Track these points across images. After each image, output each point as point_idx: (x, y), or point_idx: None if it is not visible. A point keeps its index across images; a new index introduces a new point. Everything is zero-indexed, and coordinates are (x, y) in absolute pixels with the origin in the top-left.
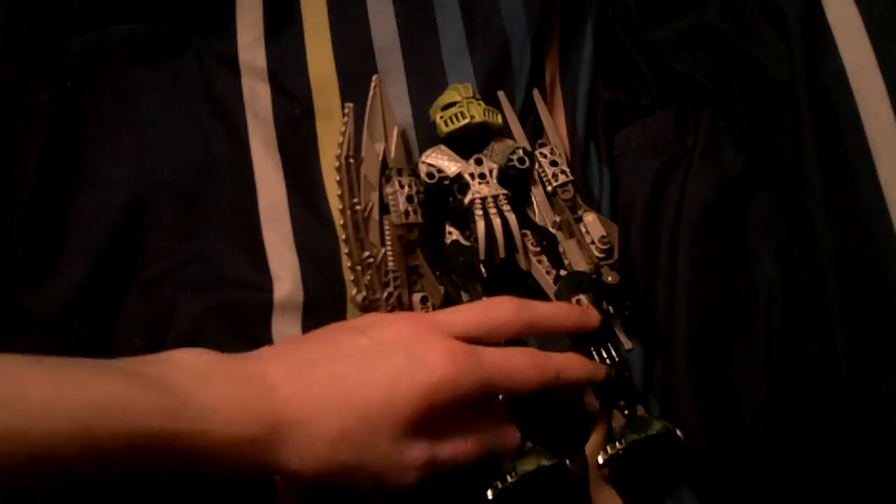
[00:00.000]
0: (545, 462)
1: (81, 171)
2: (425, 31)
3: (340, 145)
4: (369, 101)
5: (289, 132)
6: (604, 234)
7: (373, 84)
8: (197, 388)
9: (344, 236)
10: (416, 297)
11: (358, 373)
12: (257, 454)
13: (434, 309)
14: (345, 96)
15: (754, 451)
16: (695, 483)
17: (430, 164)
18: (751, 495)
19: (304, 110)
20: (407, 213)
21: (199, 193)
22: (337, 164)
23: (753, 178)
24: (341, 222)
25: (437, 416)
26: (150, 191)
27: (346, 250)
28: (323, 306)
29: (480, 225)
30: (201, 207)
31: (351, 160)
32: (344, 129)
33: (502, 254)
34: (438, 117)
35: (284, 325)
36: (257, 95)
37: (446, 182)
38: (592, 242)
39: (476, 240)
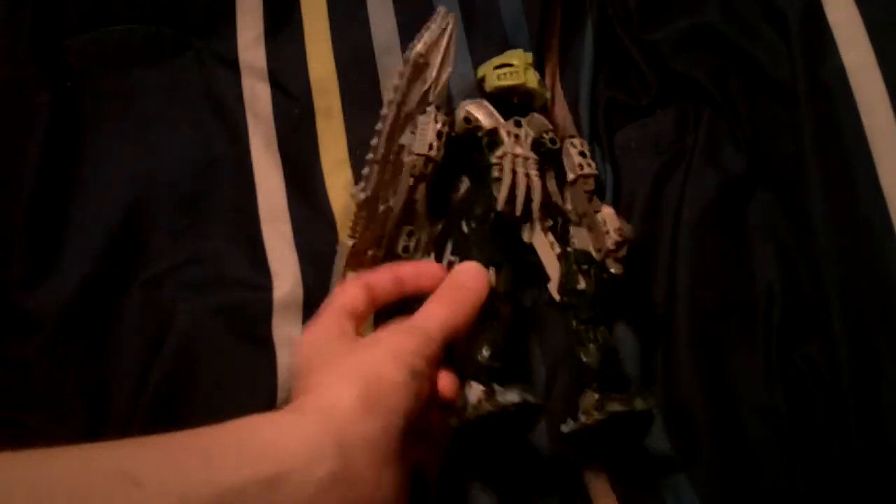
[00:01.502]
0: (529, 398)
1: (81, 171)
2: None
3: (416, 45)
4: (445, 37)
5: (289, 132)
6: (619, 226)
7: (451, 21)
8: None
9: (379, 126)
10: (405, 229)
11: None
12: None
13: (418, 244)
14: (345, 96)
15: (755, 451)
16: (696, 482)
17: (468, 111)
18: (751, 494)
19: (303, 110)
20: (431, 146)
21: (199, 193)
22: (407, 63)
23: (753, 178)
24: (384, 112)
25: None
26: (150, 191)
27: (375, 142)
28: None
29: (508, 178)
30: (201, 207)
31: (421, 60)
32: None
33: (518, 211)
34: (492, 69)
35: (285, 324)
36: (257, 95)
37: (479, 133)
38: (607, 232)
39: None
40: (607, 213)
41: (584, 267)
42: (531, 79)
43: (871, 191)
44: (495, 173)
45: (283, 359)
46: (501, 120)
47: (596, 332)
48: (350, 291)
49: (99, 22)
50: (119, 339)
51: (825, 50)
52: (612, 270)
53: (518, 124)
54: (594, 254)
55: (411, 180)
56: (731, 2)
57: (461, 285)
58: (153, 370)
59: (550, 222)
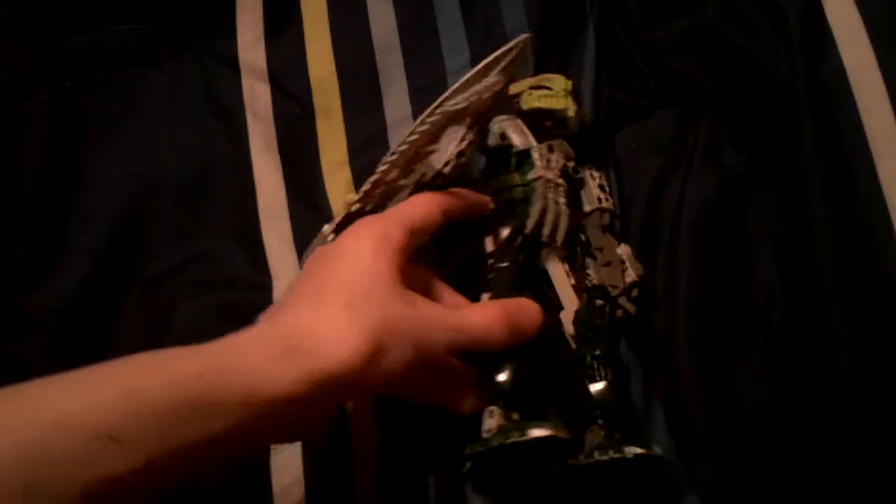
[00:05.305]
0: (561, 434)
1: (81, 170)
2: (425, 31)
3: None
4: (515, 53)
5: (289, 132)
6: (639, 267)
7: (524, 42)
8: (225, 342)
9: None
10: None
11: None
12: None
13: None
14: (345, 96)
15: (754, 451)
16: (697, 482)
17: (503, 128)
18: (752, 494)
19: (303, 110)
20: (447, 163)
21: (198, 193)
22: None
23: (753, 178)
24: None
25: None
26: (150, 190)
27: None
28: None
29: (541, 202)
30: (201, 207)
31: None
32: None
33: (546, 238)
34: (528, 88)
35: None
36: (257, 95)
37: (512, 151)
38: (625, 271)
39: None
40: (625, 251)
41: (600, 302)
42: (571, 106)
43: (871, 191)
44: (527, 194)
45: None
46: (534, 142)
47: (606, 370)
48: (424, 205)
49: (99, 22)
50: (119, 340)
51: (825, 50)
52: (627, 309)
53: (550, 149)
54: (609, 290)
55: (411, 186)
56: (731, 2)
57: (517, 320)
58: None
59: (565, 252)
